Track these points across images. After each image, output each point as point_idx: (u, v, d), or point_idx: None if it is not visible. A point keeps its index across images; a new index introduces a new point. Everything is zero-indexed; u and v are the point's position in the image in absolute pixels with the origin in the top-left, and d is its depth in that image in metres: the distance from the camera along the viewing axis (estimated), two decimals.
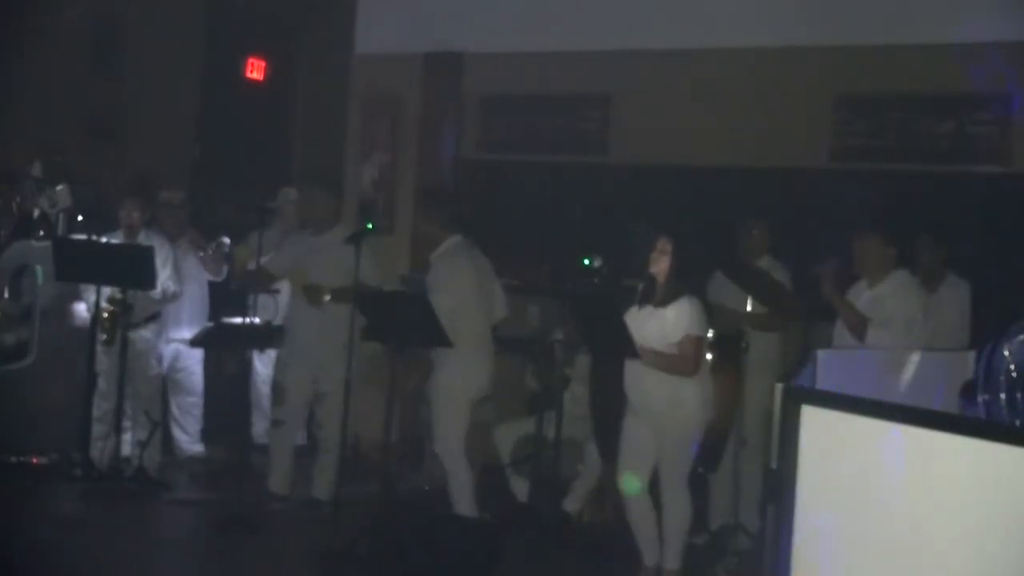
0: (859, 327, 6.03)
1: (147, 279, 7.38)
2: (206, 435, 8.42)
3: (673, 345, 5.98)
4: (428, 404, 7.06)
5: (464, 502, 6.76)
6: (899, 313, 6.04)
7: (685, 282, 6.04)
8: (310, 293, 7.12)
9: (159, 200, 8.18)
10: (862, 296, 6.21)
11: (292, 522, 7.20)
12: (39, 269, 7.82)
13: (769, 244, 7.13)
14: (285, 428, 7.44)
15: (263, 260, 7.39)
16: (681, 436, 6.01)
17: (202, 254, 8.21)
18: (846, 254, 6.32)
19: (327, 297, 7.07)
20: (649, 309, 6.06)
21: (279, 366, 7.71)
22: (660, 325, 6.00)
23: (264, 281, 7.53)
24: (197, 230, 8.44)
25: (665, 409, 5.95)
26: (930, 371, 3.92)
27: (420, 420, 7.83)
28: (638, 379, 6.04)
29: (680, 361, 5.97)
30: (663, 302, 6.02)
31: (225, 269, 8.34)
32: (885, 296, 6.13)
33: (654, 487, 6.07)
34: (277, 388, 7.63)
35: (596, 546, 6.83)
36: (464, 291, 6.81)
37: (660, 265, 6.03)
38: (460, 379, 6.77)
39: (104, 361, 7.61)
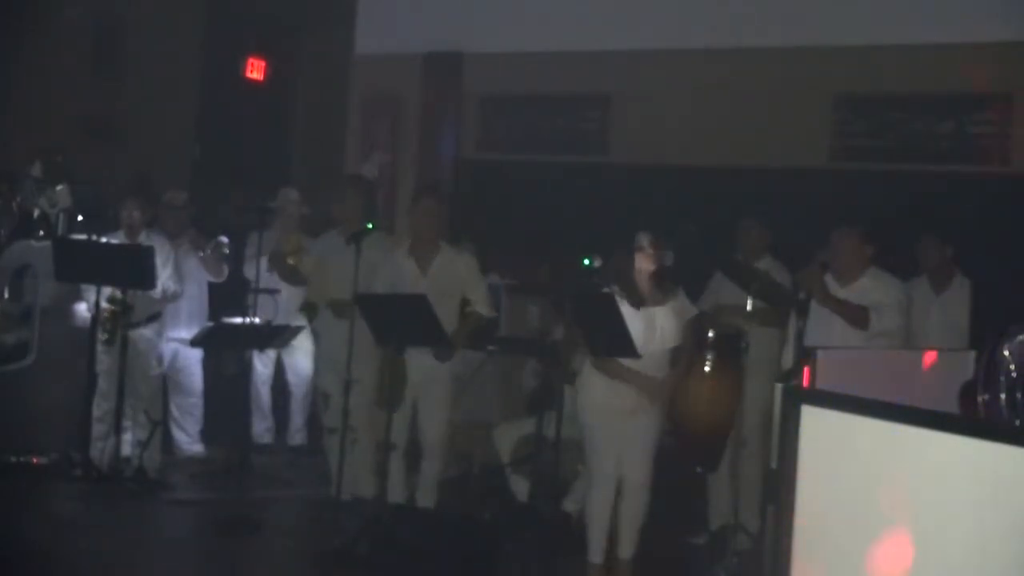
0: (860, 319, 5.98)
1: (147, 279, 7.37)
2: (206, 435, 8.41)
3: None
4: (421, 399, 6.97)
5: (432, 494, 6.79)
6: (887, 300, 6.02)
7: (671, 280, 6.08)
8: (337, 308, 7.01)
9: (162, 201, 8.18)
10: (837, 295, 6.17)
11: (292, 522, 7.20)
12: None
13: (769, 244, 7.12)
14: (339, 434, 6.98)
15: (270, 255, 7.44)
16: (650, 434, 6.04)
17: (202, 254, 8.20)
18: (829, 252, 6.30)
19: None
20: (650, 309, 6.01)
21: (318, 373, 7.60)
22: (676, 322, 6.01)
23: (294, 277, 7.44)
24: (197, 230, 8.43)
25: (635, 407, 5.96)
26: (930, 371, 3.93)
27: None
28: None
29: (686, 361, 6.04)
30: (663, 300, 6.00)
31: (225, 269, 8.33)
32: (866, 290, 6.11)
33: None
34: (320, 395, 7.45)
35: None
36: None
37: (655, 264, 6.00)
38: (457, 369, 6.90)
39: (104, 361, 7.60)
